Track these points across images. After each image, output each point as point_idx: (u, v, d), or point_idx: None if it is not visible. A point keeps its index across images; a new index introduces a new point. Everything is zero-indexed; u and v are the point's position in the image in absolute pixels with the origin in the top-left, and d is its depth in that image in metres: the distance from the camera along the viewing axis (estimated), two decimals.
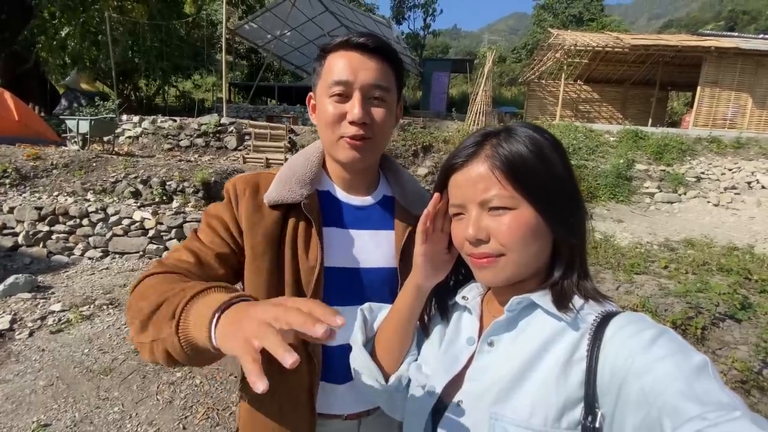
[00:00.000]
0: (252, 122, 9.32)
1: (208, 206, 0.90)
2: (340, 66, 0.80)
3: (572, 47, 12.31)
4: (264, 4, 15.57)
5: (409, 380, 0.71)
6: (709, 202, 7.99)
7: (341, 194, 0.92)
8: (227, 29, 11.90)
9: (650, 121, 12.58)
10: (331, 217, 0.89)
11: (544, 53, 14.58)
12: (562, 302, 0.57)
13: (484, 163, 0.59)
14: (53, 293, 4.04)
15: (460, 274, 0.74)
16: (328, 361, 0.86)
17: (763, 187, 8.27)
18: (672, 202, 8.05)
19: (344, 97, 0.80)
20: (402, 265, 0.89)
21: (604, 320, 0.54)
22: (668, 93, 16.32)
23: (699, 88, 11.69)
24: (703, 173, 8.67)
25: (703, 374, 0.44)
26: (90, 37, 12.20)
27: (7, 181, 5.74)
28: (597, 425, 0.50)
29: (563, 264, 0.59)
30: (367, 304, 0.81)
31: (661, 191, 8.21)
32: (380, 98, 0.82)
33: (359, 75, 0.80)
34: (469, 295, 0.71)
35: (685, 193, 8.21)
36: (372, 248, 0.90)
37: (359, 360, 0.73)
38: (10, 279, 3.96)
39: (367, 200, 0.93)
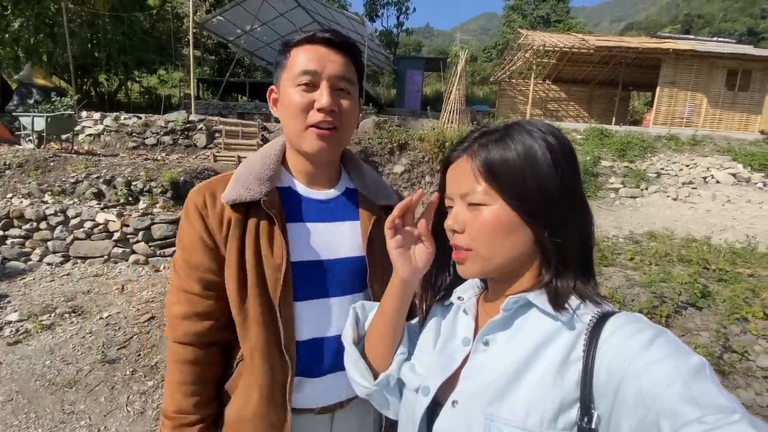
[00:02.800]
0: (222, 119, 9.05)
1: (179, 231, 0.90)
2: (308, 57, 0.82)
3: (541, 47, 12.66)
4: None
5: (398, 379, 0.71)
6: (668, 196, 8.41)
7: (303, 189, 0.92)
8: (194, 23, 11.49)
9: (614, 119, 13.14)
10: (295, 213, 0.89)
11: (514, 53, 14.93)
12: (557, 302, 0.56)
13: (469, 159, 0.61)
14: (9, 302, 3.79)
15: (455, 274, 0.73)
16: (305, 357, 0.86)
17: (717, 182, 8.79)
18: (635, 197, 8.43)
19: (311, 86, 0.82)
20: (369, 252, 0.91)
21: (601, 320, 0.54)
22: (630, 93, 17.07)
23: (658, 88, 12.30)
24: (662, 169, 9.13)
25: (701, 376, 0.44)
26: (45, 29, 11.43)
27: None
28: (593, 426, 0.49)
29: (554, 264, 0.59)
30: (359, 303, 0.82)
31: (624, 186, 8.58)
32: (346, 90, 0.85)
33: (327, 66, 0.82)
34: (465, 295, 0.71)
35: (646, 188, 8.61)
36: (339, 239, 0.91)
37: (349, 357, 0.74)
38: None
39: (330, 193, 0.94)
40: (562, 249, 0.58)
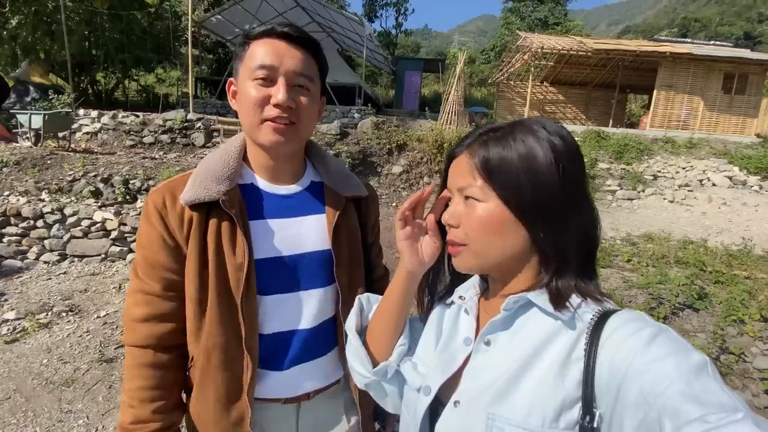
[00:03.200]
0: (221, 118, 9.04)
1: (138, 232, 0.88)
2: (265, 51, 0.80)
3: (539, 50, 12.71)
4: None
5: (397, 371, 0.71)
6: (665, 198, 8.45)
7: (266, 185, 0.90)
8: (193, 21, 11.46)
9: (611, 122, 13.20)
10: (257, 210, 0.88)
11: (512, 55, 14.97)
12: (558, 301, 0.56)
13: (470, 155, 0.61)
14: (6, 300, 3.77)
15: (455, 271, 0.73)
16: (271, 350, 0.87)
17: (713, 185, 8.85)
18: (632, 199, 8.46)
19: (268, 81, 0.80)
20: (335, 245, 0.91)
21: (602, 319, 0.53)
22: (627, 95, 17.16)
23: (655, 91, 12.36)
24: (659, 172, 9.18)
25: (703, 374, 0.43)
26: (43, 26, 11.38)
27: None
28: (595, 425, 0.49)
29: (553, 263, 0.59)
30: (365, 294, 0.82)
31: (621, 189, 8.62)
32: (304, 86, 0.83)
33: (284, 61, 0.80)
34: (466, 294, 0.71)
35: (643, 191, 8.65)
36: (304, 234, 0.91)
37: (351, 346, 0.75)
38: None
39: (294, 188, 0.93)
40: (560, 250, 0.58)
